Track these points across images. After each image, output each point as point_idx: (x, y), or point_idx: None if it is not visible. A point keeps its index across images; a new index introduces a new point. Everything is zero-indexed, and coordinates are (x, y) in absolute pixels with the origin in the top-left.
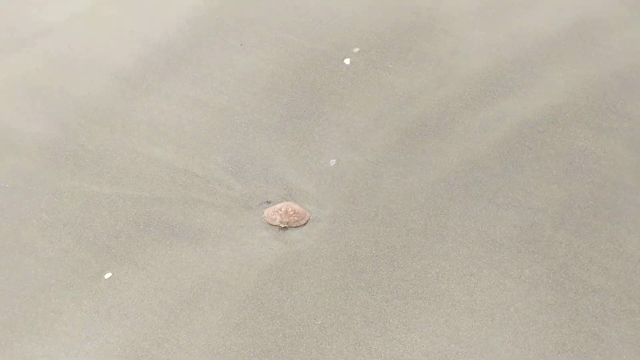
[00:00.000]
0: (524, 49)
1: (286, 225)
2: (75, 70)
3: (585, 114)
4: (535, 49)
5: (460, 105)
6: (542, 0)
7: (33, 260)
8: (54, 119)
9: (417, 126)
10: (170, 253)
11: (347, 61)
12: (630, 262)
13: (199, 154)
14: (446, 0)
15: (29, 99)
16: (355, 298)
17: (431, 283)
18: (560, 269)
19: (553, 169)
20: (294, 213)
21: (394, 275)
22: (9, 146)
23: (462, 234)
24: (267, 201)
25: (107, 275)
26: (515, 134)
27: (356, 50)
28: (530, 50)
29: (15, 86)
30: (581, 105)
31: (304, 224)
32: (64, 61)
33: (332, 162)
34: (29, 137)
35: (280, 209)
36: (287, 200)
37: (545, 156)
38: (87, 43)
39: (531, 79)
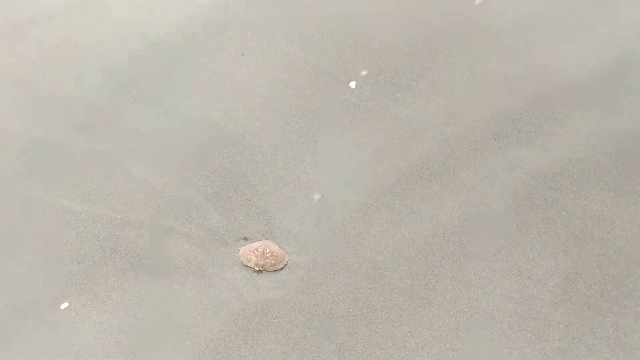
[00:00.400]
0: (547, 90)
1: (261, 269)
2: (67, 65)
3: (605, 172)
4: (560, 91)
5: (469, 148)
6: (574, 35)
7: None
8: (36, 118)
9: (419, 168)
10: (133, 287)
11: (352, 84)
12: (634, 356)
13: (180, 174)
14: (468, 21)
15: (15, 93)
16: None
17: (408, 354)
18: (554, 355)
19: (561, 234)
20: (271, 255)
21: (369, 341)
22: None
23: (450, 300)
24: (244, 237)
25: (64, 305)
26: (525, 187)
27: (364, 73)
28: (554, 92)
29: (3, 78)
30: (602, 161)
31: (281, 269)
32: (57, 54)
33: (316, 196)
34: (7, 136)
35: (257, 249)
36: (267, 239)
37: (555, 218)
38: (82, 35)
39: (551, 126)
